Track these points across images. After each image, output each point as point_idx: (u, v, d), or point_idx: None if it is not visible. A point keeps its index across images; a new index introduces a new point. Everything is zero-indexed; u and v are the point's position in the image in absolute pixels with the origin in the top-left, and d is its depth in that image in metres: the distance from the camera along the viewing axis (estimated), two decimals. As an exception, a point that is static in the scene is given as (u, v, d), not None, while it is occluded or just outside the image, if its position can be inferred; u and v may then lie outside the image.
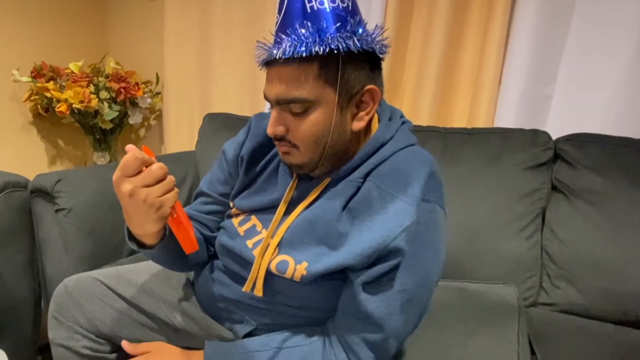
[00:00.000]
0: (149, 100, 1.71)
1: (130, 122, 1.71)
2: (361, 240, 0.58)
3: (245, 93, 1.63)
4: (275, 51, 0.57)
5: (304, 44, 0.55)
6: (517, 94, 1.26)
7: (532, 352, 0.88)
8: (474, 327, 0.88)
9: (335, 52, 0.56)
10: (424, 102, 1.37)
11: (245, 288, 0.67)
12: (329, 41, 0.56)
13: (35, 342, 1.13)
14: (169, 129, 1.74)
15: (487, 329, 0.87)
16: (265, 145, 0.74)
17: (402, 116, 0.70)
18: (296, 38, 0.56)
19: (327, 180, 0.65)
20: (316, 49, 0.55)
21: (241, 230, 0.72)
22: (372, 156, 0.63)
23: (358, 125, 0.62)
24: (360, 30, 0.58)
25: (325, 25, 0.56)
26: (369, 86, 0.60)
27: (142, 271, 0.84)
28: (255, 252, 0.67)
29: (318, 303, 0.67)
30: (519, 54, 1.24)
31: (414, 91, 1.40)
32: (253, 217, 0.72)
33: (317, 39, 0.55)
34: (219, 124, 1.45)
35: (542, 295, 1.10)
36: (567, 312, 1.05)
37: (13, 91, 1.55)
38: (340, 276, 0.63)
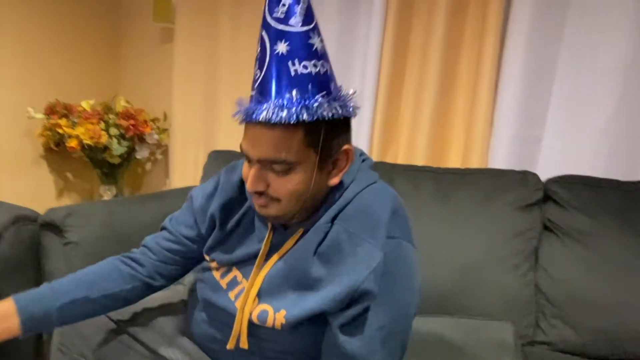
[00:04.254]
0: (156, 136, 1.78)
1: (137, 157, 1.77)
2: (333, 285, 0.61)
3: (249, 131, 1.69)
4: (260, 113, 0.57)
5: (292, 111, 0.56)
6: (508, 137, 1.32)
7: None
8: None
9: (320, 119, 0.58)
10: (419, 143, 1.43)
11: (230, 345, 0.69)
12: (315, 110, 0.57)
13: (35, 375, 1.14)
14: (175, 164, 1.80)
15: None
16: (237, 198, 0.75)
17: (362, 154, 0.73)
18: (283, 104, 0.57)
19: (300, 231, 0.68)
20: (304, 117, 0.56)
21: (223, 283, 0.73)
22: (336, 201, 0.66)
23: (334, 181, 0.65)
24: (341, 96, 0.61)
25: (310, 92, 0.58)
26: (345, 147, 0.64)
27: (146, 303, 0.86)
28: (238, 304, 0.69)
29: (303, 347, 0.69)
30: (509, 98, 1.31)
31: (409, 133, 1.46)
32: (234, 268, 0.73)
33: (304, 106, 0.57)
34: (222, 161, 1.51)
35: (539, 334, 1.11)
36: (564, 352, 1.06)
37: (27, 127, 1.62)
38: (320, 320, 0.65)
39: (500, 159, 1.33)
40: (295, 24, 0.58)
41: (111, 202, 1.29)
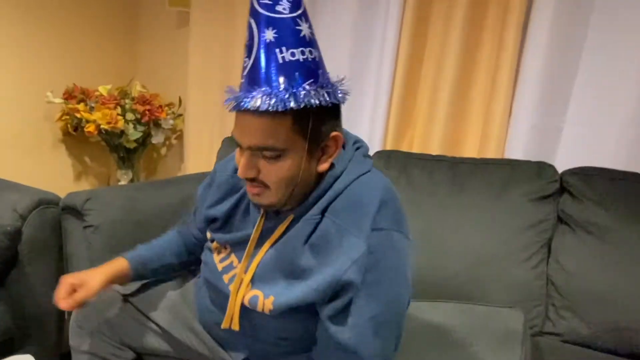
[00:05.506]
0: (171, 121, 1.79)
1: (153, 142, 1.80)
2: (318, 276, 0.63)
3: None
4: (248, 102, 0.58)
5: (280, 99, 0.57)
6: (527, 126, 1.29)
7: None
8: (477, 351, 0.90)
9: (308, 107, 0.59)
10: (435, 131, 1.41)
11: (224, 325, 0.72)
12: (303, 97, 0.58)
13: (58, 350, 1.19)
14: (189, 149, 1.82)
15: (491, 354, 0.89)
16: (231, 190, 0.78)
17: (356, 142, 0.73)
18: (270, 92, 0.57)
19: (290, 217, 0.69)
20: (291, 105, 0.57)
21: (220, 266, 0.77)
22: (327, 192, 0.66)
23: (323, 167, 0.66)
24: (329, 84, 0.61)
25: (298, 79, 0.58)
26: (334, 133, 0.65)
27: (162, 287, 0.90)
28: (231, 287, 0.72)
29: (295, 334, 0.72)
30: (530, 86, 1.27)
31: (425, 120, 1.44)
32: (232, 255, 0.76)
33: (292, 94, 0.57)
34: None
35: (547, 325, 1.11)
36: (573, 343, 1.07)
37: (46, 111, 1.65)
38: (309, 310, 0.66)
39: (518, 149, 1.30)
40: (283, 11, 0.58)
41: (129, 187, 1.32)
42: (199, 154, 1.82)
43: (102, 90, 1.68)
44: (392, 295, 0.64)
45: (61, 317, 1.19)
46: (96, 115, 1.59)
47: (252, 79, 0.59)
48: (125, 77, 1.88)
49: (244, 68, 0.61)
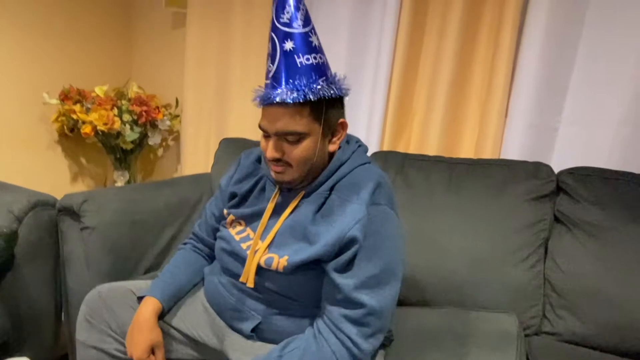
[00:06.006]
0: (168, 122, 1.79)
1: (150, 143, 1.79)
2: (327, 236, 0.75)
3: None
4: (276, 96, 0.73)
5: (301, 93, 0.73)
6: (523, 126, 1.30)
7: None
8: (472, 351, 0.91)
9: (322, 98, 0.74)
10: (432, 132, 1.42)
11: (242, 278, 0.84)
12: (318, 91, 0.74)
13: (54, 353, 1.19)
14: (186, 150, 1.82)
15: (485, 354, 0.90)
16: (252, 172, 0.93)
17: (357, 141, 0.89)
18: (293, 88, 0.73)
19: (302, 193, 0.83)
20: (310, 97, 0.73)
21: (237, 237, 0.88)
22: (334, 173, 0.81)
23: (333, 147, 0.82)
24: (336, 80, 0.77)
25: (313, 77, 0.74)
26: (341, 120, 0.81)
27: None
28: (248, 252, 0.84)
29: (302, 292, 0.82)
30: (525, 86, 1.28)
31: (422, 121, 1.45)
32: (248, 229, 0.88)
33: (309, 89, 0.73)
34: (234, 149, 1.52)
35: (545, 325, 1.12)
36: (570, 342, 1.07)
37: (42, 112, 1.64)
38: (315, 267, 0.78)
39: (514, 150, 1.31)
40: (298, 27, 0.74)
41: (126, 189, 1.31)
42: (196, 155, 1.82)
43: (99, 91, 1.67)
44: (388, 259, 0.75)
45: (58, 319, 1.18)
46: (92, 117, 1.59)
47: (277, 79, 0.74)
48: (121, 78, 1.88)
49: (269, 72, 0.77)
